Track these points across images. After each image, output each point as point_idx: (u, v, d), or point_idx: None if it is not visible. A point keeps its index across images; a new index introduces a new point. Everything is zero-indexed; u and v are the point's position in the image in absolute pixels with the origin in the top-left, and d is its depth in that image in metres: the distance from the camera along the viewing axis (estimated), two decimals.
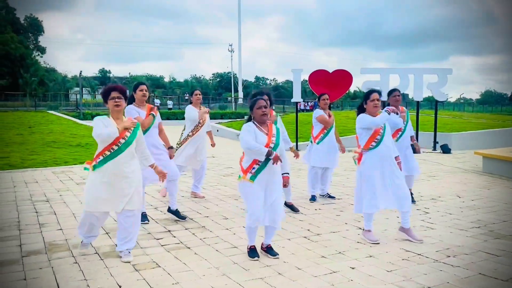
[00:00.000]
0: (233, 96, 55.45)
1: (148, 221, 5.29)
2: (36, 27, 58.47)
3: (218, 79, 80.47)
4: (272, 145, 3.93)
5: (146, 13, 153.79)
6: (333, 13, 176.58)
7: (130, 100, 5.27)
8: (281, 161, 3.93)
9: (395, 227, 5.01)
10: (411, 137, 6.23)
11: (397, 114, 4.83)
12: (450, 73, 13.86)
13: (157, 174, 4.31)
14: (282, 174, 4.13)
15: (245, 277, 3.64)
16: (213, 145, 7.05)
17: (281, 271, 3.76)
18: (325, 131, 6.47)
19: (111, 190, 3.88)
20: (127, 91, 4.14)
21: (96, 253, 4.19)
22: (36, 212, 5.73)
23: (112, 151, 3.87)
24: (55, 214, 5.65)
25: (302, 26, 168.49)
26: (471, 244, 4.51)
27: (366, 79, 14.09)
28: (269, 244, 4.20)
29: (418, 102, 14.82)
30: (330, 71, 14.01)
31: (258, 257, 4.04)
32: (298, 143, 14.52)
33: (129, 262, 3.93)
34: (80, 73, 38.42)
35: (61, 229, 4.95)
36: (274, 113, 5.55)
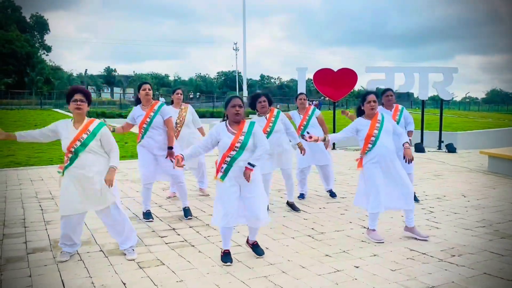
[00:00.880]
0: (237, 94, 55.38)
1: (153, 219, 5.31)
2: (42, 26, 58.73)
3: (223, 78, 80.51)
4: (238, 145, 3.85)
5: (151, 13, 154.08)
6: (338, 12, 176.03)
7: (137, 101, 5.33)
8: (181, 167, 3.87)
9: (400, 226, 4.99)
10: (409, 132, 6.18)
11: (316, 141, 4.66)
12: (456, 72, 13.80)
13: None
14: (248, 164, 3.88)
15: (249, 275, 3.64)
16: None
17: (285, 270, 3.76)
18: (300, 131, 6.33)
19: (80, 192, 3.84)
20: (91, 96, 4.05)
21: (101, 250, 4.21)
22: (42, 210, 5.77)
23: (70, 155, 3.85)
24: None
25: (307, 25, 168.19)
26: (476, 244, 4.49)
27: (371, 78, 14.07)
28: (255, 241, 4.16)
29: (423, 101, 14.77)
30: (335, 70, 13.99)
31: (231, 262, 3.90)
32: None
33: (134, 260, 3.94)
34: (86, 72, 38.55)
35: None
36: (275, 110, 5.56)
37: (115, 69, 74.51)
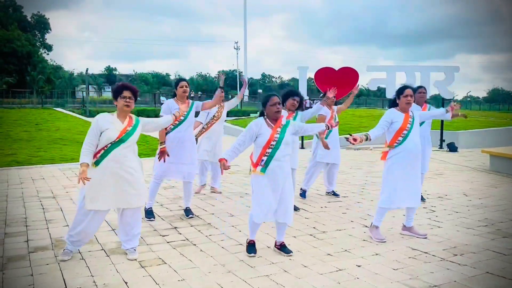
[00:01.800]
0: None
1: (154, 217, 5.30)
2: (43, 25, 58.70)
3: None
4: (276, 137, 3.92)
5: (152, 12, 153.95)
6: (339, 11, 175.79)
7: (173, 95, 5.42)
8: (225, 168, 3.86)
9: (401, 228, 4.98)
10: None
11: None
12: (457, 71, 13.76)
13: None
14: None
15: (251, 274, 3.64)
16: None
17: (287, 269, 3.75)
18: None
19: (112, 187, 3.81)
20: (138, 94, 4.07)
21: (103, 249, 4.21)
22: (43, 209, 5.77)
23: (118, 139, 3.80)
24: (61, 210, 5.68)
25: (308, 24, 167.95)
26: (478, 243, 4.48)
27: (373, 77, 14.03)
28: (283, 242, 4.19)
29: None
30: (336, 69, 13.96)
31: (255, 253, 4.02)
32: (304, 141, 14.49)
33: (135, 260, 3.94)
34: (87, 71, 38.53)
35: (67, 226, 4.97)
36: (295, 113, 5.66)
37: (115, 68, 74.71)
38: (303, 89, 14.17)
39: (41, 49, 56.50)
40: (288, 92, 5.52)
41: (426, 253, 4.18)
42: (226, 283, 3.46)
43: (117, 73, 72.43)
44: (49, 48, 58.79)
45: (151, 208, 5.37)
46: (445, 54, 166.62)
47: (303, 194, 6.57)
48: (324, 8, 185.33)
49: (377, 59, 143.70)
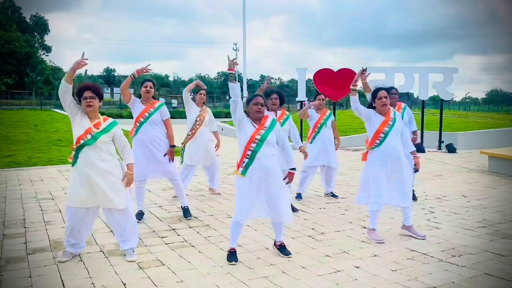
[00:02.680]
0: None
1: (141, 220, 5.19)
2: (42, 26, 58.75)
3: (223, 78, 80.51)
4: (258, 137, 3.90)
5: (151, 13, 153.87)
6: (338, 13, 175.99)
7: (140, 96, 5.36)
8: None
9: (400, 226, 4.98)
10: (413, 132, 6.26)
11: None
12: (456, 72, 13.80)
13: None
14: (289, 169, 4.11)
15: (249, 275, 3.63)
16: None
17: (286, 270, 3.75)
18: (316, 129, 6.49)
19: (88, 186, 3.82)
20: (102, 90, 4.06)
21: (101, 251, 4.21)
22: (42, 210, 5.76)
23: (82, 141, 3.81)
24: (60, 212, 5.67)
25: (307, 26, 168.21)
26: (477, 244, 4.49)
27: (371, 79, 14.02)
28: (282, 242, 4.19)
29: (423, 101, 14.76)
30: (335, 70, 13.98)
31: (236, 261, 3.91)
32: (302, 143, 14.49)
33: (134, 261, 3.93)
34: (86, 72, 38.57)
35: None
36: (286, 114, 5.66)
37: (114, 69, 74.70)
38: (302, 90, 14.20)
39: (40, 51, 56.53)
40: (265, 93, 5.49)
41: (425, 254, 4.18)
42: (224, 284, 3.46)
43: (116, 74, 72.43)
44: (48, 49, 58.84)
45: (141, 211, 5.32)
46: (443, 55, 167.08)
47: (298, 196, 6.57)
48: (323, 10, 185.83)
49: (375, 60, 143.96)
